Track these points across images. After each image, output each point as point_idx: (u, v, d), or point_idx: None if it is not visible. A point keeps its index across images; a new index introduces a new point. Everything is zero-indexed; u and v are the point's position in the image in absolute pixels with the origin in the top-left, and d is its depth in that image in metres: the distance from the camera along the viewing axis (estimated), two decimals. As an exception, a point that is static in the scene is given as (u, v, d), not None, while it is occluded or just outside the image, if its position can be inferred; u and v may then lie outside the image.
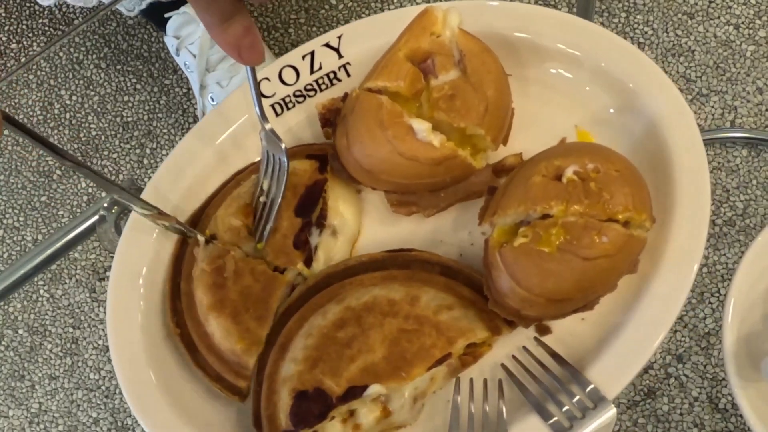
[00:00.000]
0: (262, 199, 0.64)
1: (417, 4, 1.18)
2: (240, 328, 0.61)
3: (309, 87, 0.67)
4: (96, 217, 0.69)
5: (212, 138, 0.66)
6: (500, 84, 0.61)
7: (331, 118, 0.64)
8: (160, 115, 1.38)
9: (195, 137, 0.67)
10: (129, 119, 1.39)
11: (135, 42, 1.43)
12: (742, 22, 1.26)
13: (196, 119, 1.36)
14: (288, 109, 0.67)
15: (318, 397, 0.57)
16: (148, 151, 1.37)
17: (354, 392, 0.57)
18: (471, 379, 0.59)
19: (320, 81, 0.67)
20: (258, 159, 0.67)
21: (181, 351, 0.62)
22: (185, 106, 1.38)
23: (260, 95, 0.61)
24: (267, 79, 0.67)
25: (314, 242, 0.64)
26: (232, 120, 0.67)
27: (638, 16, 1.28)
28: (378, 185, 0.63)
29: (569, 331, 0.59)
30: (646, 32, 1.27)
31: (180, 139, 1.36)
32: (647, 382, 1.13)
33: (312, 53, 0.67)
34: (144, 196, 0.64)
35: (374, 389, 0.57)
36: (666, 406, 1.12)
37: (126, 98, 1.40)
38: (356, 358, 0.58)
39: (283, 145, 0.62)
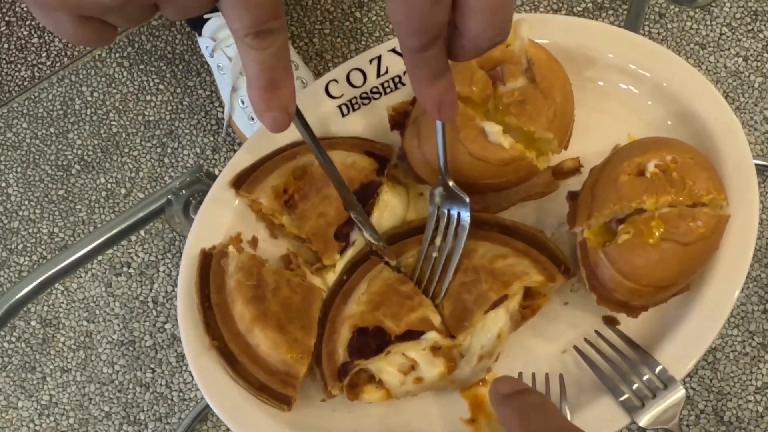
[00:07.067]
0: (434, 254, 0.63)
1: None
2: (288, 339, 0.61)
3: (375, 90, 0.70)
4: (164, 200, 0.70)
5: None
6: (566, 91, 0.65)
7: (400, 121, 0.67)
8: (182, 115, 1.40)
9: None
10: (151, 118, 1.41)
11: (159, 43, 1.45)
12: (751, 55, 1.32)
13: (218, 122, 1.38)
14: (354, 110, 0.70)
15: (377, 334, 0.59)
16: (169, 150, 1.39)
17: (412, 334, 0.59)
18: (533, 374, 0.61)
19: (385, 84, 0.70)
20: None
21: (221, 363, 0.62)
22: (208, 108, 1.40)
23: (446, 150, 0.60)
24: (335, 80, 0.70)
25: (353, 238, 0.66)
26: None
27: (652, 44, 1.34)
28: (444, 184, 0.66)
29: (633, 321, 0.62)
30: (659, 59, 1.33)
31: (202, 140, 1.39)
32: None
33: (379, 58, 0.70)
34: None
35: (431, 335, 0.59)
36: (671, 418, 1.16)
37: (148, 98, 1.42)
38: (417, 309, 0.60)
39: (466, 199, 0.62)
